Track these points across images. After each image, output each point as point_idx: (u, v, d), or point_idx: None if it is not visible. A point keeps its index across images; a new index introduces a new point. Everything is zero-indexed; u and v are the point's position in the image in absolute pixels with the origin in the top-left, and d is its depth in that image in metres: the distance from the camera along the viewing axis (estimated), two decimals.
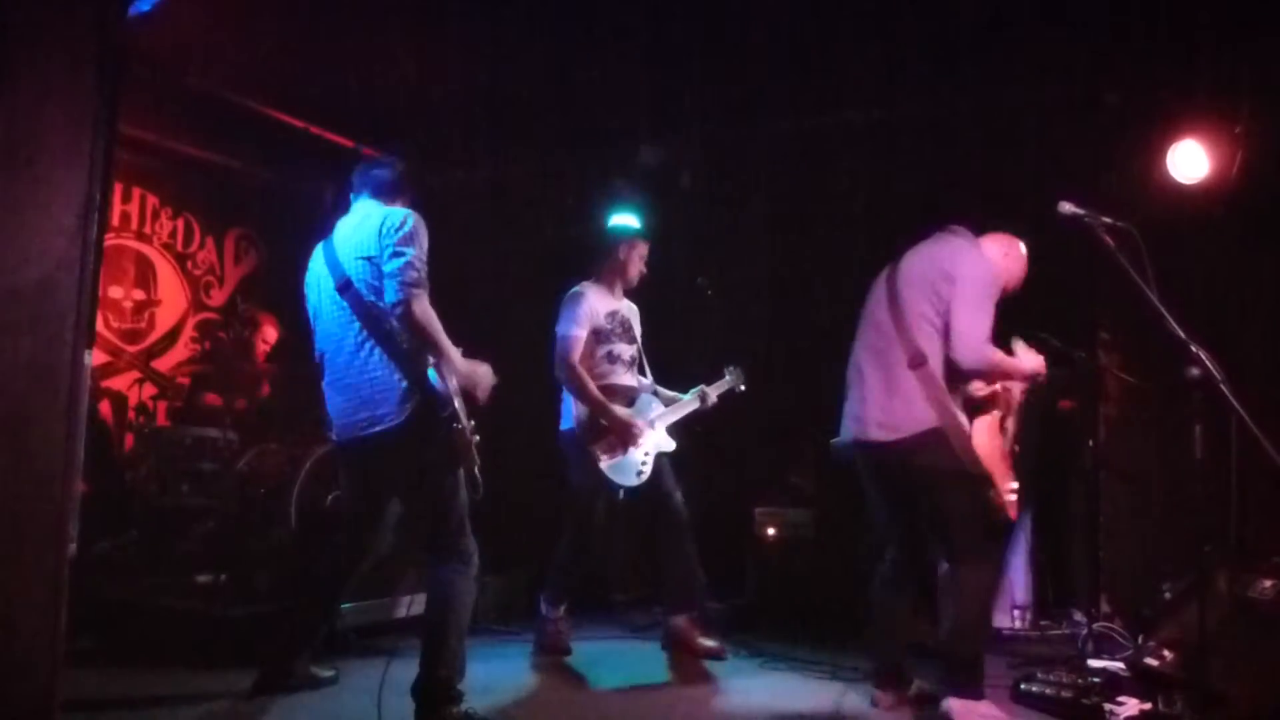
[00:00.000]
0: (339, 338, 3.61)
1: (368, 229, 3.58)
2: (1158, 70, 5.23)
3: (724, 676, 4.52)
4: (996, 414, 3.62)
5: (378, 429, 3.49)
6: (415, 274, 3.43)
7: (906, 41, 5.27)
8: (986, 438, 3.46)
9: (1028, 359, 3.73)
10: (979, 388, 3.69)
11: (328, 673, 4.03)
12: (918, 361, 3.56)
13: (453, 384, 3.48)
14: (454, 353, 3.52)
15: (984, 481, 3.51)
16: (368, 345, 3.53)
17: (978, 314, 3.52)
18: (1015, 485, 3.51)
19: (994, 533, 3.64)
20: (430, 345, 3.44)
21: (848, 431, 3.83)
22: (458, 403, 3.47)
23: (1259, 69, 4.98)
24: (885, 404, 3.63)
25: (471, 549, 3.58)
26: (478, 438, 3.58)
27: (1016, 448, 3.75)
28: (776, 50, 5.53)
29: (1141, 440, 5.41)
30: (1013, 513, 3.50)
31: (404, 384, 3.46)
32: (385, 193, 3.79)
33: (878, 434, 3.63)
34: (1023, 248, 3.91)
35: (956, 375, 3.56)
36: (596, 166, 6.57)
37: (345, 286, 3.57)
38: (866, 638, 4.04)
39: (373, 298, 3.51)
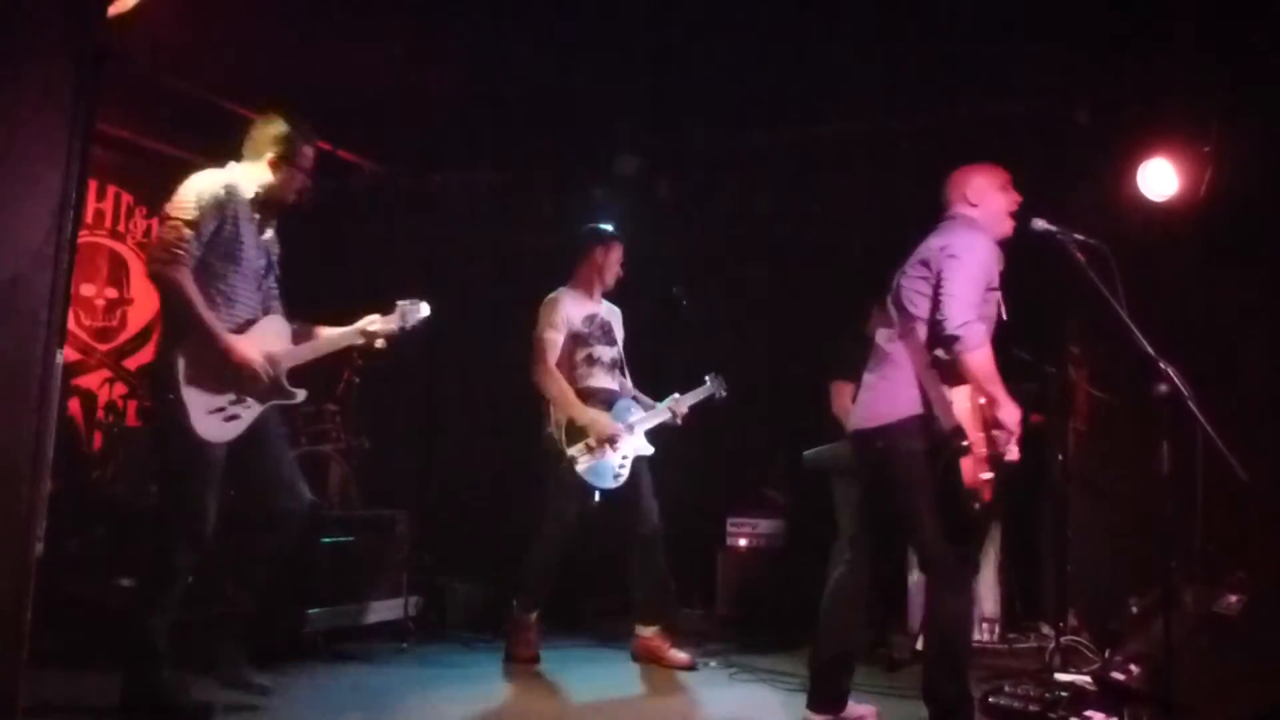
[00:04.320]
0: None
1: None
2: (1129, 89, 5.30)
3: (694, 688, 4.52)
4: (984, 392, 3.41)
5: None
6: (170, 237, 3.47)
7: (878, 59, 5.32)
8: (969, 405, 3.33)
9: (1014, 406, 3.42)
10: None
11: (264, 681, 3.82)
12: (905, 331, 3.49)
13: (182, 360, 3.44)
14: (214, 334, 3.48)
15: (964, 446, 3.32)
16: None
17: (967, 284, 3.37)
18: (989, 476, 3.42)
19: (967, 554, 3.54)
20: (186, 317, 3.46)
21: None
22: (183, 377, 3.43)
23: (1228, 89, 5.06)
24: (875, 391, 3.56)
25: (175, 523, 3.56)
26: (231, 423, 3.55)
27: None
28: (753, 63, 5.57)
29: (1110, 455, 5.46)
30: (987, 494, 3.42)
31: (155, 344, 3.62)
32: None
33: (862, 423, 3.56)
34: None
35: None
36: (575, 174, 6.58)
37: None
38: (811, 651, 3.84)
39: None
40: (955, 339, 3.32)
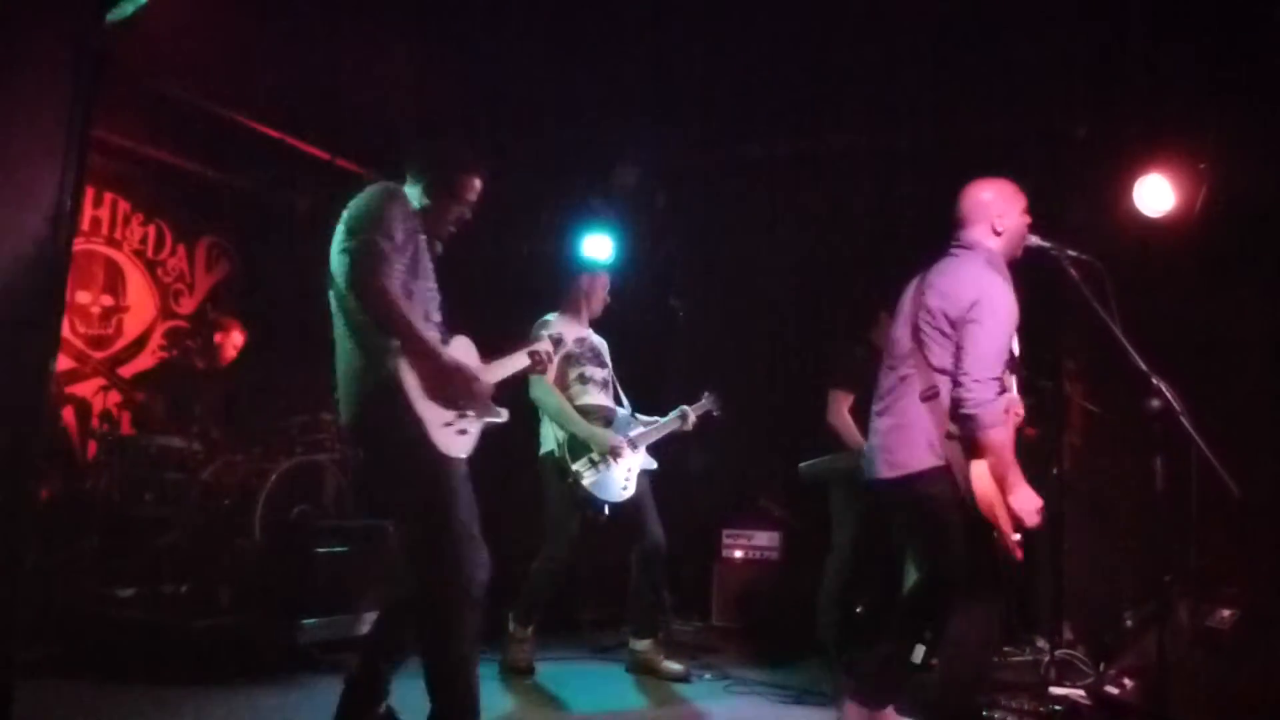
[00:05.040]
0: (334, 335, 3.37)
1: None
2: (1125, 105, 5.32)
3: (689, 699, 4.51)
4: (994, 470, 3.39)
5: (345, 424, 3.32)
6: (375, 249, 3.10)
7: (879, 73, 5.34)
8: (988, 480, 3.31)
9: (1027, 492, 3.36)
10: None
11: None
12: (930, 394, 3.41)
13: (410, 376, 3.11)
14: (429, 345, 3.16)
15: (986, 523, 3.33)
16: (344, 337, 3.27)
17: (987, 356, 3.32)
18: (1018, 537, 3.39)
19: (997, 583, 3.48)
20: (386, 329, 3.12)
21: (866, 467, 3.67)
22: (414, 393, 3.11)
23: (1224, 106, 5.08)
24: (892, 439, 3.49)
25: (457, 559, 3.12)
26: (463, 438, 3.25)
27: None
28: (752, 76, 5.59)
29: (1105, 469, 5.47)
30: (1018, 554, 3.38)
31: (360, 374, 3.19)
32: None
33: (885, 471, 3.50)
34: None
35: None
36: (573, 185, 6.59)
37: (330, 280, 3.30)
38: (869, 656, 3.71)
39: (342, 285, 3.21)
40: (969, 419, 3.29)
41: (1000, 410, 3.32)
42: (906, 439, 3.44)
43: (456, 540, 3.12)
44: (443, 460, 3.18)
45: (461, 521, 3.15)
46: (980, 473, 3.32)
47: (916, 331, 3.49)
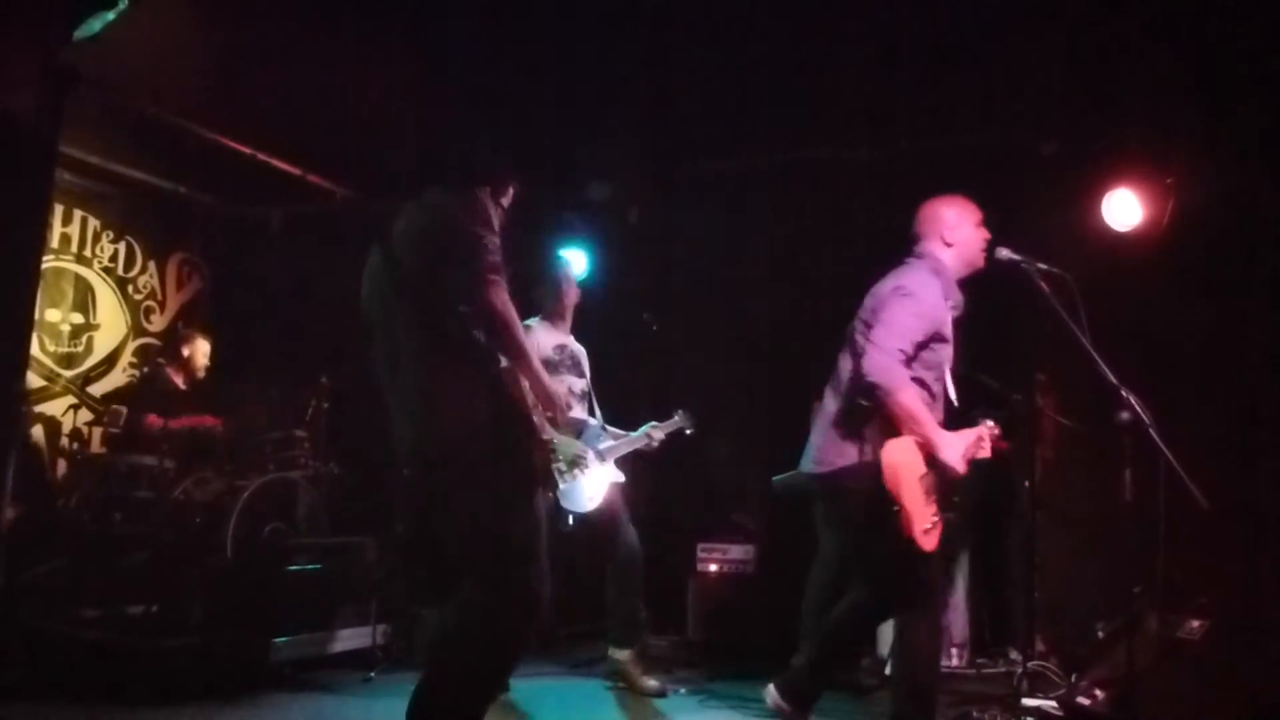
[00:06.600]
0: None
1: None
2: (1093, 121, 5.39)
3: (665, 714, 4.49)
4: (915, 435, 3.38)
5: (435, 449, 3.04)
6: (494, 259, 2.98)
7: (852, 90, 5.39)
8: (902, 456, 3.27)
9: (954, 442, 3.38)
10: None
11: None
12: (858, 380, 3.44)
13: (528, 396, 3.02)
14: (537, 365, 3.10)
15: (894, 509, 3.27)
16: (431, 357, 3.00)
17: (893, 328, 3.34)
18: (934, 519, 3.36)
19: (931, 586, 3.47)
20: (505, 349, 2.99)
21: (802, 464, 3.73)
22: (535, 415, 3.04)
23: (1190, 122, 5.15)
24: (819, 436, 3.58)
25: (540, 584, 2.99)
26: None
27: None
28: (723, 92, 5.63)
29: (1076, 481, 5.51)
30: (927, 544, 3.28)
31: (470, 395, 2.95)
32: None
33: (811, 467, 3.59)
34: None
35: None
36: (545, 200, 6.59)
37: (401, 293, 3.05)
38: (807, 653, 3.77)
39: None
40: (874, 388, 3.30)
41: (904, 376, 3.30)
42: (831, 436, 3.51)
43: (540, 565, 3.00)
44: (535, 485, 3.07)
45: (543, 548, 3.05)
46: (896, 450, 3.30)
47: (855, 346, 3.54)
